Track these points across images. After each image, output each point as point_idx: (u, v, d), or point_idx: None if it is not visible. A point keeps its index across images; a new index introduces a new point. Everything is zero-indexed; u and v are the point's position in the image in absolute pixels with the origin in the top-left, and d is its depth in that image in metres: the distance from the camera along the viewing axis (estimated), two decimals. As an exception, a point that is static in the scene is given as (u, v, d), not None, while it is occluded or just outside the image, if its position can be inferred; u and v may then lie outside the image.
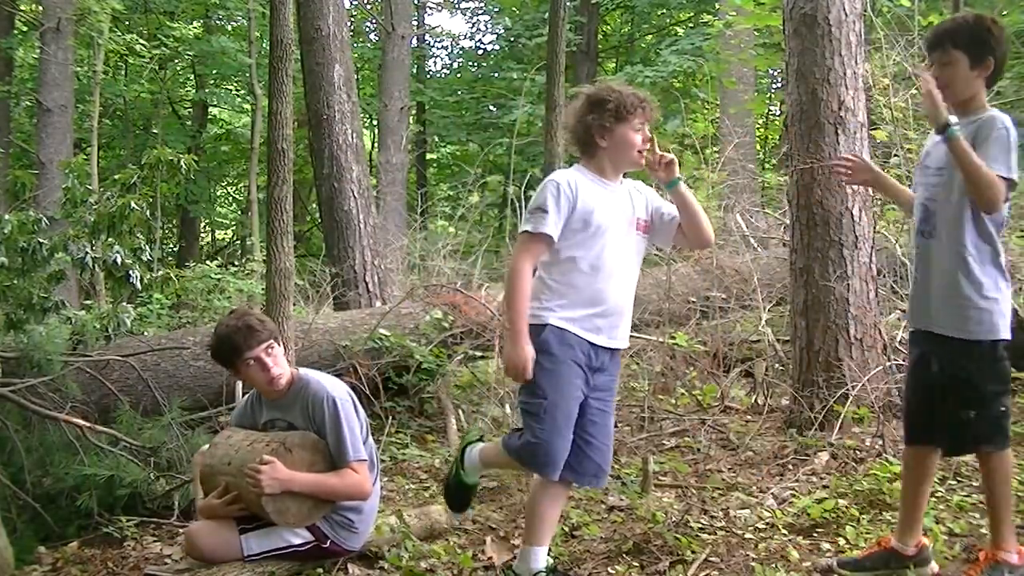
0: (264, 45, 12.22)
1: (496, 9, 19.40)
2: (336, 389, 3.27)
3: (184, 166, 6.06)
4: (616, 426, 5.13)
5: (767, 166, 15.04)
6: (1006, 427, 2.85)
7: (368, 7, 19.36)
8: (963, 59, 2.79)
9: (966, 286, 2.76)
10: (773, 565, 3.21)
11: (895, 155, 6.19)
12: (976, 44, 2.78)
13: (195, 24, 17.69)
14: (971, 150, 2.73)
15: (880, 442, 4.26)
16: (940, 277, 2.82)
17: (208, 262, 12.47)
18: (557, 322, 2.98)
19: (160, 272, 6.70)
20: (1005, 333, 2.79)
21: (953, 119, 2.74)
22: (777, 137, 15.89)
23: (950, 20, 2.98)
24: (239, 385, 5.18)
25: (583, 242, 3.01)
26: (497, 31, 19.97)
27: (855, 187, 4.72)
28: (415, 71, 18.41)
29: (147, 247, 5.83)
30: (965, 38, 2.80)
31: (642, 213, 3.14)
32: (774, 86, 15.87)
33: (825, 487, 3.93)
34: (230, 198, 21.84)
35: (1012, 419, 4.40)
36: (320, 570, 3.33)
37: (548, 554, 3.12)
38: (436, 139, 19.83)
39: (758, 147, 15.28)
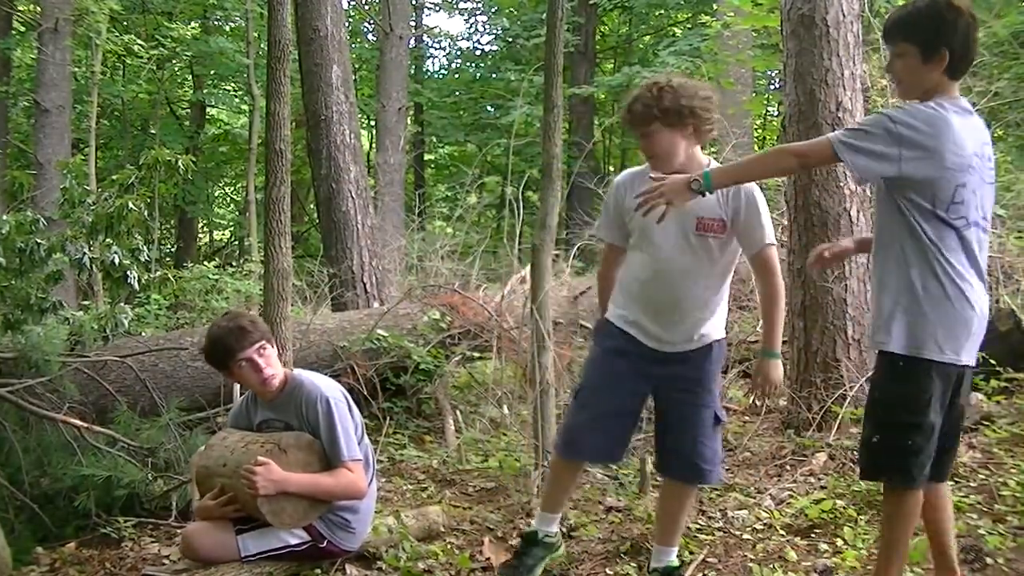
0: (262, 46, 12.18)
1: (494, 9, 19.39)
2: (329, 389, 3.27)
3: (182, 166, 6.05)
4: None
5: (765, 167, 14.99)
6: (909, 465, 2.50)
7: (366, 8, 19.35)
8: (914, 52, 2.51)
9: (893, 296, 2.53)
10: (771, 566, 3.21)
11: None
12: (927, 34, 2.49)
13: (193, 24, 17.67)
14: (729, 167, 2.74)
15: (878, 443, 4.25)
16: (877, 290, 2.61)
17: (206, 263, 12.46)
18: (610, 316, 3.09)
19: (158, 273, 6.69)
20: (932, 353, 2.47)
21: (695, 177, 2.64)
22: (775, 138, 15.90)
23: (903, 9, 2.61)
24: (236, 386, 5.17)
25: (635, 245, 3.05)
26: (495, 31, 19.97)
27: (852, 187, 4.73)
28: (413, 72, 18.39)
29: (145, 248, 5.82)
30: (915, 28, 2.52)
31: (710, 212, 2.93)
32: (772, 87, 15.88)
33: (823, 488, 3.94)
34: (228, 199, 21.81)
35: (1011, 420, 4.43)
36: (318, 571, 3.33)
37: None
38: (434, 140, 19.82)
39: (756, 148, 15.27)
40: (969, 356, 2.55)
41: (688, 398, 2.99)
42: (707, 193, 2.65)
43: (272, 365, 3.26)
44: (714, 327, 3.03)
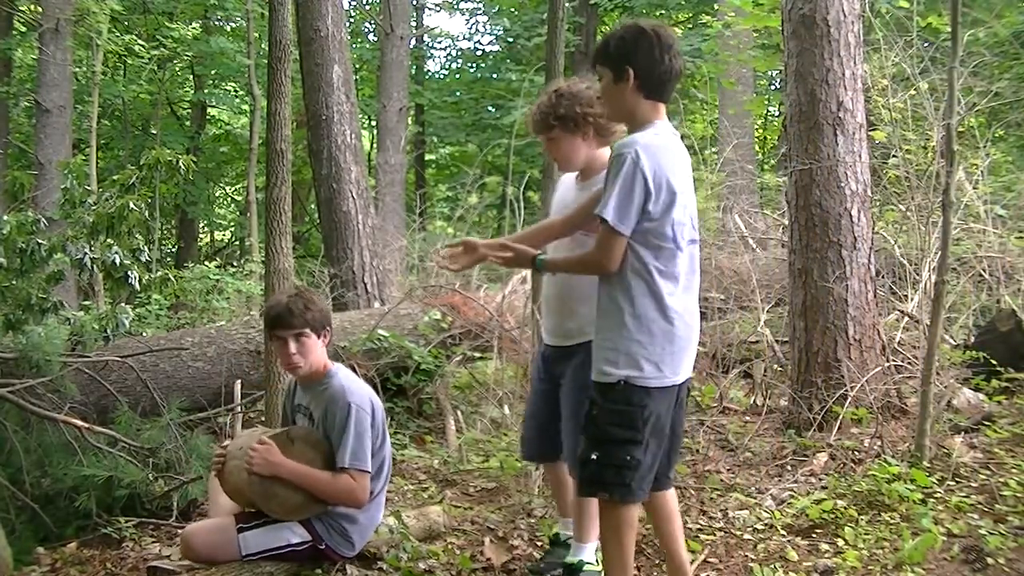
0: (263, 46, 12.20)
1: (495, 10, 19.39)
2: (355, 396, 3.27)
3: (183, 167, 6.05)
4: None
5: (766, 167, 15.05)
6: (628, 479, 2.59)
7: (367, 8, 19.35)
8: (607, 74, 2.63)
9: (615, 327, 2.61)
10: (772, 566, 3.22)
11: (893, 156, 6.19)
12: (612, 57, 2.61)
13: (194, 25, 17.67)
14: (560, 259, 2.89)
15: (879, 443, 4.26)
16: (597, 320, 2.71)
17: (207, 263, 12.47)
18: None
19: (159, 273, 6.68)
20: (652, 379, 2.59)
21: (539, 254, 2.84)
22: (776, 138, 15.91)
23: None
24: (237, 386, 5.18)
25: None
26: (496, 32, 19.95)
27: (853, 188, 4.73)
28: (414, 72, 18.39)
29: (146, 248, 5.82)
30: (605, 53, 2.64)
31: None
32: (773, 87, 15.88)
33: (824, 488, 3.94)
34: (229, 199, 21.82)
35: (1011, 420, 4.43)
36: (318, 571, 3.32)
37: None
38: (435, 140, 19.81)
39: (757, 148, 15.28)
40: (686, 372, 2.72)
41: (572, 392, 3.13)
42: (539, 272, 2.92)
43: (303, 355, 3.29)
44: None
